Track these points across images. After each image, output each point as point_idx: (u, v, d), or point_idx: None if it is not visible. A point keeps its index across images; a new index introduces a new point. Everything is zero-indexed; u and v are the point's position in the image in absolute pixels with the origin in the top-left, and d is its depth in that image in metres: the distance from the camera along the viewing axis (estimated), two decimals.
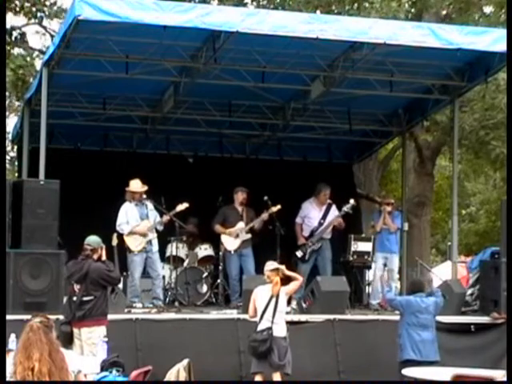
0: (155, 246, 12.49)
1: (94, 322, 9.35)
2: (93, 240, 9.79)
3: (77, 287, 9.49)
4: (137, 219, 12.41)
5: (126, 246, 12.21)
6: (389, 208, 13.96)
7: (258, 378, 9.65)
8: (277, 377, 9.54)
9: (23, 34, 18.84)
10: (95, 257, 9.62)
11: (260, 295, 9.79)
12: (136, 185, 12.50)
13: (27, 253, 10.63)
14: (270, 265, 9.99)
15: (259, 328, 9.61)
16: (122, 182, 12.70)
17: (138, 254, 12.29)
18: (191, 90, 13.08)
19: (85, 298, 9.38)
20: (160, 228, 12.59)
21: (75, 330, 9.37)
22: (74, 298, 9.47)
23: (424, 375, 8.91)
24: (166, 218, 12.47)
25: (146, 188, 12.50)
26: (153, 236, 12.44)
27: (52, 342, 5.34)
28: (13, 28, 18.12)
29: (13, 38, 18.05)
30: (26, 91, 15.37)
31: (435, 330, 10.34)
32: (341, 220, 13.49)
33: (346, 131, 15.25)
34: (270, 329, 9.54)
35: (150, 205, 12.53)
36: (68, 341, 9.25)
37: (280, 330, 9.63)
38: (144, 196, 12.47)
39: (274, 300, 9.68)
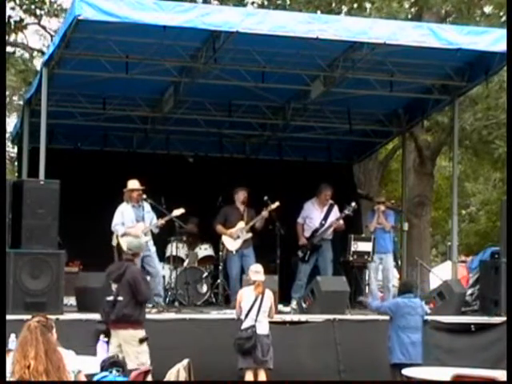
0: (151, 248, 12.49)
1: (128, 325, 9.28)
2: (133, 245, 9.87)
3: (114, 286, 9.50)
4: (132, 220, 12.33)
5: (120, 247, 12.22)
6: (382, 207, 13.88)
7: (248, 374, 9.92)
8: (262, 374, 9.90)
9: (21, 21, 18.76)
10: (136, 261, 9.78)
11: (246, 296, 10.15)
12: (133, 184, 12.45)
13: (27, 253, 10.62)
14: (255, 272, 10.22)
15: (243, 326, 9.98)
16: (121, 182, 12.68)
17: None
18: (191, 89, 13.09)
19: (119, 298, 9.36)
20: (155, 231, 12.55)
21: (111, 330, 9.35)
22: (111, 298, 9.45)
23: (424, 375, 8.91)
24: (161, 221, 12.41)
25: (143, 187, 12.45)
26: (148, 238, 12.41)
27: (49, 342, 5.35)
28: (10, 17, 18.01)
29: (11, 27, 17.93)
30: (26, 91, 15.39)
31: (422, 333, 10.30)
32: (341, 223, 13.48)
33: (346, 131, 15.26)
34: (253, 327, 9.92)
35: (147, 206, 12.43)
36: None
37: (263, 328, 10.00)
38: (144, 196, 12.43)
39: (258, 300, 10.02)
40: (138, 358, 9.12)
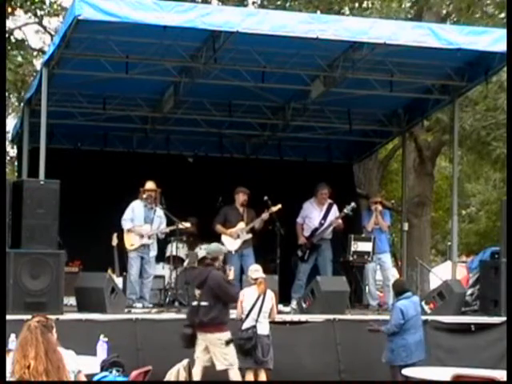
0: (153, 252, 12.58)
1: (213, 327, 9.53)
2: (211, 249, 10.12)
3: (197, 292, 9.79)
4: (140, 220, 12.47)
5: (123, 243, 12.32)
6: (380, 207, 13.85)
7: (248, 374, 9.93)
8: (262, 374, 9.94)
9: (22, 40, 18.81)
10: (217, 264, 9.88)
11: (247, 296, 10.12)
12: (148, 185, 12.62)
13: (27, 253, 10.62)
14: (254, 271, 10.26)
15: (244, 326, 9.96)
16: (121, 182, 12.70)
17: (134, 251, 12.40)
18: (191, 89, 13.09)
19: (202, 303, 9.58)
20: (161, 237, 12.75)
21: (198, 334, 9.60)
22: (195, 303, 9.75)
23: (424, 375, 8.91)
24: (166, 230, 12.64)
25: (158, 189, 12.59)
26: (151, 241, 12.48)
27: (49, 342, 5.35)
28: (10, 32, 18.07)
29: (11, 40, 18.00)
30: (26, 91, 15.38)
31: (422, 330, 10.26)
32: (340, 222, 13.50)
33: (346, 131, 15.26)
34: (254, 327, 9.91)
35: (159, 211, 12.58)
36: (189, 342, 9.60)
37: (264, 329, 10.00)
38: (155, 200, 12.53)
39: (260, 300, 10.01)
40: (226, 359, 9.49)
